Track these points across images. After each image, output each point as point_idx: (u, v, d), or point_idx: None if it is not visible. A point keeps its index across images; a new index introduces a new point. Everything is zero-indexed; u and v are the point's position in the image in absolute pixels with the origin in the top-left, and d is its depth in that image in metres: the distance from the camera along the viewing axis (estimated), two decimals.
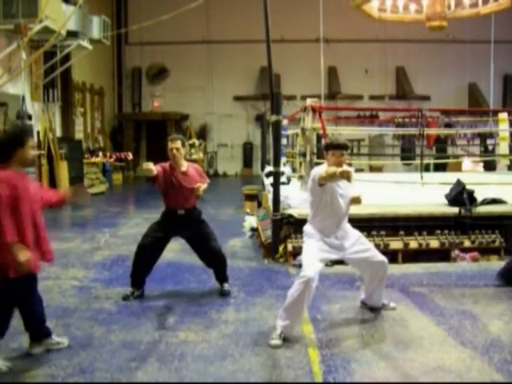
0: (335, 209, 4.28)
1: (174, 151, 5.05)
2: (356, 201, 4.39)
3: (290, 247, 6.45)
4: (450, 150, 17.69)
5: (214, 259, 5.30)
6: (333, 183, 4.19)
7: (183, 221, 5.12)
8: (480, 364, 3.62)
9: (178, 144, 5.06)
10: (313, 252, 4.20)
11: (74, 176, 13.60)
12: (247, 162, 20.27)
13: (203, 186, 5.07)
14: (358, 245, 4.40)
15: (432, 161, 14.31)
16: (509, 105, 18.25)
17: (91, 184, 14.53)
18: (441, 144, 17.17)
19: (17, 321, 4.45)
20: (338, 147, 4.24)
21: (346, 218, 4.43)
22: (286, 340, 3.99)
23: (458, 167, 13.80)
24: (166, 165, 5.13)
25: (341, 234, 4.34)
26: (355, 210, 6.87)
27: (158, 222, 5.24)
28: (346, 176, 3.94)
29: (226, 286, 5.32)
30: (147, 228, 5.26)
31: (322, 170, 4.19)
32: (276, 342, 3.96)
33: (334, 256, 4.36)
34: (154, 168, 4.92)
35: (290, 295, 4.06)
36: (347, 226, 4.46)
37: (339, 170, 3.97)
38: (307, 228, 4.41)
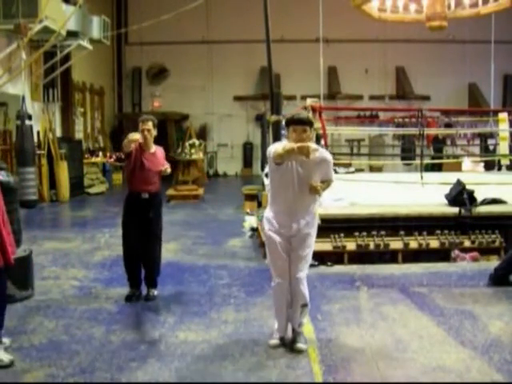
0: (292, 192, 3.76)
1: (146, 132, 4.95)
2: (319, 187, 3.71)
3: None
4: (450, 150, 17.69)
5: (149, 242, 5.04)
6: (293, 163, 3.73)
7: (147, 205, 5.01)
8: (480, 364, 3.62)
9: (150, 125, 4.98)
10: (274, 251, 3.86)
11: (74, 176, 13.60)
12: (247, 162, 20.25)
13: (169, 169, 5.05)
14: (301, 250, 3.85)
15: (429, 161, 14.31)
16: (509, 105, 18.24)
17: (91, 184, 14.54)
18: (438, 144, 17.19)
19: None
20: (299, 122, 3.72)
21: (307, 205, 3.84)
22: (287, 340, 3.99)
23: (457, 167, 13.80)
24: (136, 145, 5.03)
25: (295, 228, 3.81)
26: (356, 210, 6.93)
27: (125, 215, 5.07)
28: (305, 152, 3.54)
29: (153, 291, 5.12)
30: (122, 226, 5.08)
31: (279, 145, 3.75)
32: (274, 341, 3.95)
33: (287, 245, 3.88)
34: (139, 138, 4.84)
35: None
36: (307, 218, 3.84)
37: (297, 144, 3.58)
38: (266, 213, 4.00)
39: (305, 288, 3.89)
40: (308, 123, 3.74)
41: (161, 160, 5.09)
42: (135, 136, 4.80)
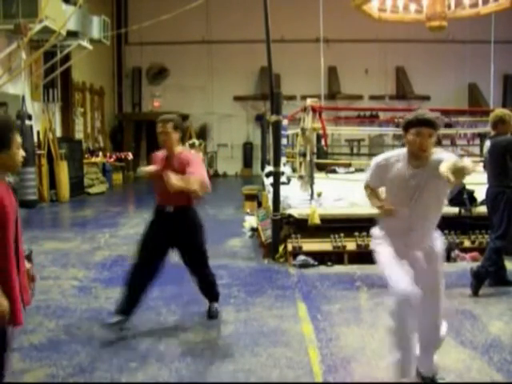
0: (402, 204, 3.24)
1: (163, 136, 4.14)
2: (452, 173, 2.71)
3: (290, 247, 6.44)
4: (450, 150, 17.68)
5: (191, 259, 4.42)
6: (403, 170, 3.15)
7: (172, 221, 4.19)
8: (480, 364, 3.62)
9: (168, 127, 4.12)
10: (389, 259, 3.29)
11: (74, 176, 13.60)
12: (247, 162, 20.26)
13: (194, 181, 3.90)
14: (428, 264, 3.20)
15: None
16: (509, 105, 18.22)
17: (91, 184, 14.54)
18: None
19: None
20: (426, 123, 2.94)
21: (426, 221, 3.34)
22: (287, 340, 3.98)
23: None
24: (162, 152, 4.31)
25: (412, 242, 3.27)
26: (356, 210, 6.91)
27: (149, 226, 4.35)
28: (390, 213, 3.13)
29: (215, 305, 4.55)
30: (140, 241, 4.39)
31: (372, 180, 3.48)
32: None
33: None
34: (151, 169, 4.27)
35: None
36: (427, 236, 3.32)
37: (383, 206, 3.31)
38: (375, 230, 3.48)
39: None
40: (436, 126, 2.98)
41: (185, 166, 4.04)
42: (146, 169, 4.30)
